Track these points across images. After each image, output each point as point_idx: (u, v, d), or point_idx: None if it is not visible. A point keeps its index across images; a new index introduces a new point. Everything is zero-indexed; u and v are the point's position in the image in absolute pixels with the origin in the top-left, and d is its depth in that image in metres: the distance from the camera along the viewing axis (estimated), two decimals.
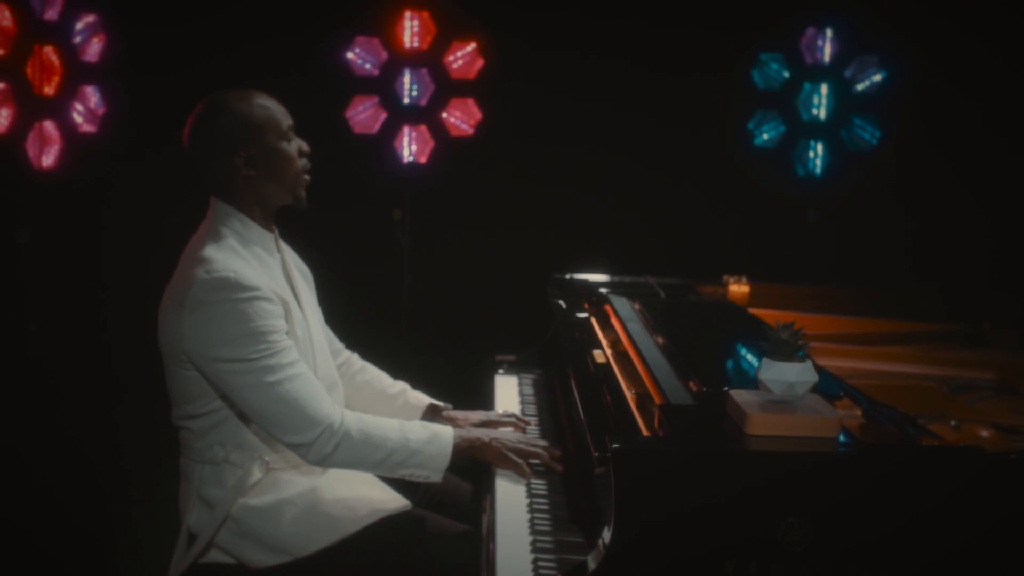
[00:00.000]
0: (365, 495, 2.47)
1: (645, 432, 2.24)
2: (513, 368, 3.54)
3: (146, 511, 3.56)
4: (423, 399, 2.90)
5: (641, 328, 2.98)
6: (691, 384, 2.36)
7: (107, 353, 4.99)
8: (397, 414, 2.84)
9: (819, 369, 2.55)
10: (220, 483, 2.40)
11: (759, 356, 2.13)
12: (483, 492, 2.52)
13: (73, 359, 4.90)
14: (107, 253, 5.02)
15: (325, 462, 2.36)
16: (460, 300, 5.39)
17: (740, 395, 2.09)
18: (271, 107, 2.44)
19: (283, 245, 2.61)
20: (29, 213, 4.67)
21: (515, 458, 2.49)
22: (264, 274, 2.40)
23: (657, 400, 2.33)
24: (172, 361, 2.37)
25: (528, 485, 2.45)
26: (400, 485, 2.56)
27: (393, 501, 2.48)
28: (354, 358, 2.94)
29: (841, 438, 2.00)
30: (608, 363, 2.80)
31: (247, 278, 2.30)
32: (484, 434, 2.54)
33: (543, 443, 2.59)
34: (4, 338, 4.74)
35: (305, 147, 2.50)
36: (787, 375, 2.02)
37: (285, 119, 2.45)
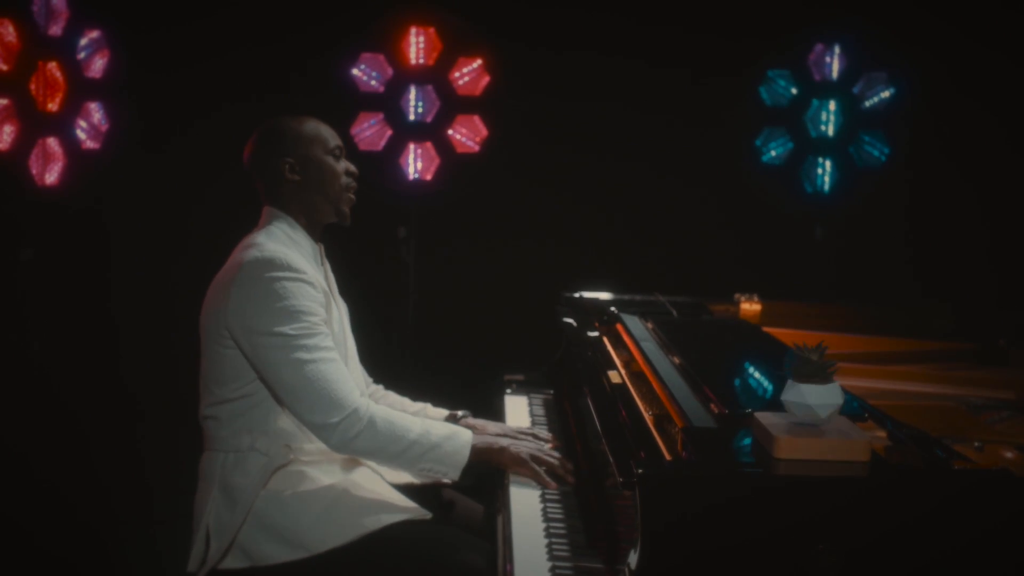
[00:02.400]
0: (387, 499, 2.49)
1: (667, 455, 2.19)
2: (522, 388, 3.49)
3: (163, 527, 3.51)
4: (442, 412, 2.94)
5: (656, 347, 2.94)
6: (712, 406, 2.31)
7: (111, 371, 4.94)
8: None
9: (843, 390, 2.51)
10: (244, 472, 2.42)
11: (779, 376, 2.09)
12: (496, 514, 2.48)
13: (76, 377, 4.85)
14: (111, 270, 4.97)
15: (347, 447, 2.40)
16: (467, 319, 5.36)
17: (766, 417, 2.05)
18: (320, 127, 2.63)
19: (328, 267, 2.73)
20: (32, 231, 4.63)
21: (533, 464, 2.51)
22: (309, 268, 2.50)
23: (678, 422, 2.29)
24: (212, 340, 2.45)
25: (544, 508, 2.41)
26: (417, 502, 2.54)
27: (415, 509, 2.48)
28: (379, 392, 2.98)
29: (871, 461, 1.95)
30: (624, 383, 2.76)
31: (296, 261, 2.43)
32: (498, 439, 2.59)
33: (556, 454, 2.58)
34: (6, 356, 4.69)
35: (352, 168, 2.65)
36: (813, 397, 1.97)
37: (333, 139, 2.63)
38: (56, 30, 4.52)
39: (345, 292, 2.82)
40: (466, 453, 2.48)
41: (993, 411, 2.86)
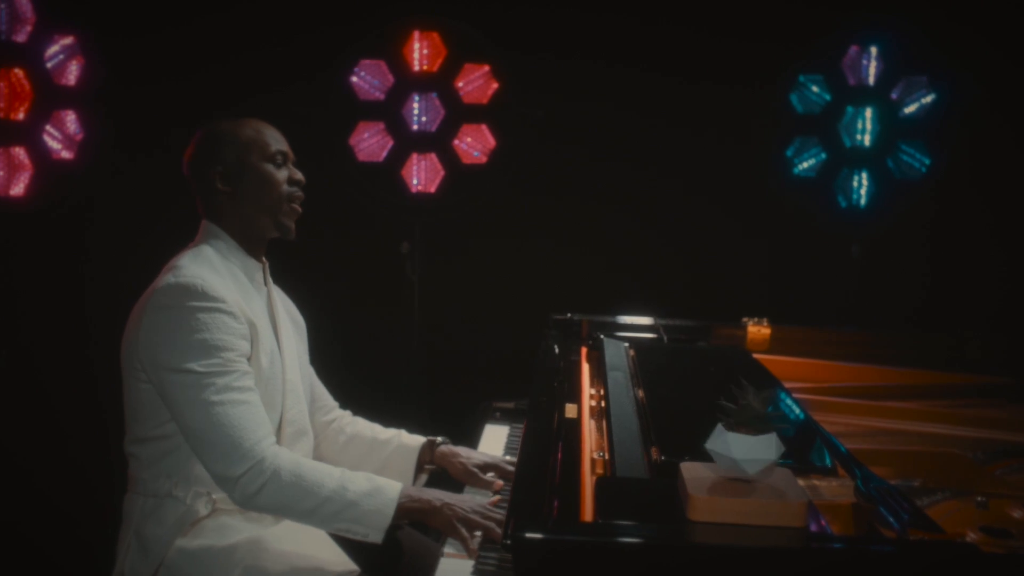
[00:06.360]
0: (312, 553, 2.29)
1: (590, 509, 1.88)
2: (507, 416, 3.25)
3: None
4: (418, 438, 2.74)
5: (625, 379, 2.65)
6: (653, 451, 1.99)
7: (84, 387, 4.74)
8: (391, 459, 2.71)
9: (811, 435, 2.17)
10: (160, 520, 2.27)
11: None
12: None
13: (47, 391, 4.66)
14: (86, 285, 4.78)
15: (250, 502, 2.20)
16: (473, 339, 5.07)
17: (692, 469, 1.72)
18: (261, 130, 2.44)
19: (276, 288, 2.57)
20: None
21: (463, 531, 2.22)
22: (238, 293, 2.32)
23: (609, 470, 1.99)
24: (128, 372, 2.30)
25: (475, 567, 2.12)
26: (358, 545, 2.32)
27: (341, 564, 2.29)
28: (346, 417, 2.79)
29: (811, 527, 1.61)
30: (578, 419, 2.47)
31: (214, 288, 2.24)
32: (436, 497, 2.31)
33: (499, 515, 2.27)
34: None
35: (297, 176, 2.46)
36: (740, 450, 1.63)
37: (275, 144, 2.44)
38: (21, 36, 4.38)
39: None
40: (389, 512, 2.22)
41: (1014, 458, 2.48)
